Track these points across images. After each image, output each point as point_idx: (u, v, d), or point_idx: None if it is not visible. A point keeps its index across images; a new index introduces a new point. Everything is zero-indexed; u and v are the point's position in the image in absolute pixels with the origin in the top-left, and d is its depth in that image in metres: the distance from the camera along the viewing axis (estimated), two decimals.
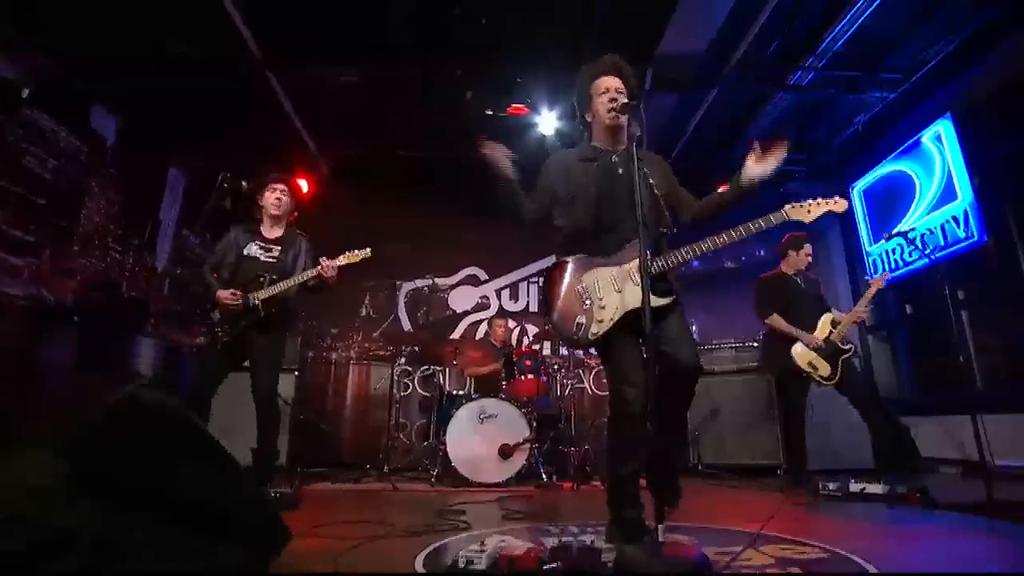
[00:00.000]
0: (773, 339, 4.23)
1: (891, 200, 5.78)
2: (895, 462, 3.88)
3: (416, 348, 5.39)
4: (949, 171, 5.08)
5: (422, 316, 6.55)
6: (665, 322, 2.27)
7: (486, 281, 6.79)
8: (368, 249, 3.48)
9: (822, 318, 4.10)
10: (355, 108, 5.44)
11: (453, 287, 6.74)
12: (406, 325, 6.52)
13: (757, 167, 2.30)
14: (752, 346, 5.48)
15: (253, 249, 3.43)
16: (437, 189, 6.66)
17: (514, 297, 6.73)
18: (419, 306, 6.60)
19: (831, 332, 4.03)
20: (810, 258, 4.36)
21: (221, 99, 5.08)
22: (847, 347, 4.03)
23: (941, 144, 5.17)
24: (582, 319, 2.24)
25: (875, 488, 3.38)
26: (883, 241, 5.26)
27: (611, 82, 2.36)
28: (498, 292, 6.75)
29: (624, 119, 2.31)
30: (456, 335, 6.55)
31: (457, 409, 4.43)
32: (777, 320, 4.15)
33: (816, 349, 3.97)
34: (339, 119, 5.68)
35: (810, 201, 2.35)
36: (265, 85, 4.95)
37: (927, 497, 3.21)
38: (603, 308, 2.23)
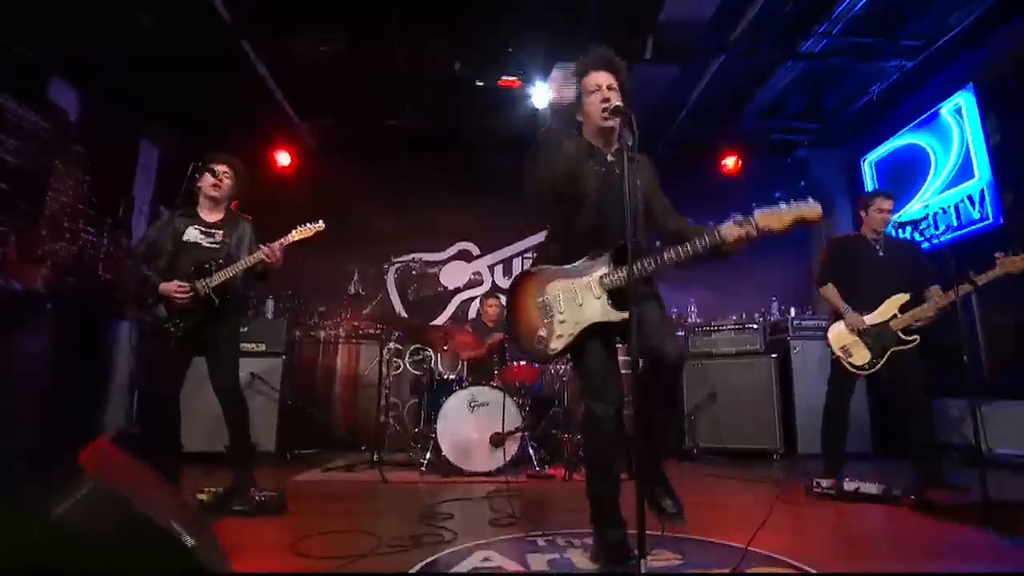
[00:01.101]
0: (831, 312, 3.73)
1: (904, 174, 5.51)
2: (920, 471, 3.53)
3: (405, 333, 5.27)
4: (967, 147, 4.81)
5: (412, 293, 6.39)
6: (642, 316, 2.12)
7: (479, 256, 6.56)
8: (320, 222, 3.25)
9: (889, 298, 3.49)
10: (339, 76, 5.10)
11: (444, 263, 6.53)
12: (396, 302, 6.35)
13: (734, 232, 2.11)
14: (752, 328, 5.33)
15: (193, 234, 3.14)
16: (427, 160, 6.37)
17: (508, 273, 6.51)
18: (409, 283, 6.42)
19: (895, 316, 3.48)
20: (886, 215, 3.64)
21: (193, 68, 4.76)
22: (909, 339, 3.44)
23: (960, 117, 4.87)
24: (543, 332, 2.20)
25: (870, 488, 3.27)
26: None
27: (603, 78, 2.20)
28: (491, 268, 6.53)
29: (616, 121, 2.13)
30: (448, 313, 6.40)
31: (447, 397, 4.32)
32: (829, 291, 3.64)
33: (859, 332, 3.50)
34: (322, 88, 5.35)
35: (783, 206, 2.10)
36: (240, 54, 4.60)
37: (921, 500, 3.12)
38: (563, 323, 2.17)
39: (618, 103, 2.11)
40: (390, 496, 3.72)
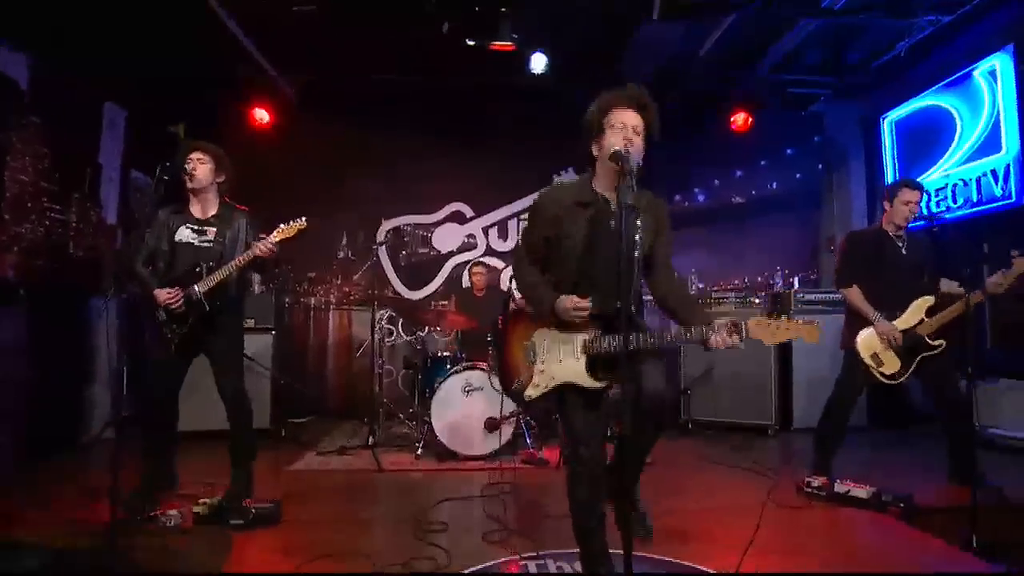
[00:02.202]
0: (851, 311, 3.52)
1: (926, 139, 5.17)
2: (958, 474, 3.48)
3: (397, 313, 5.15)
4: (998, 116, 4.47)
5: (404, 258, 6.19)
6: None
7: (472, 218, 6.28)
8: (303, 218, 3.11)
9: (916, 301, 3.34)
10: (318, 28, 4.61)
11: (436, 225, 6.27)
12: (387, 267, 6.15)
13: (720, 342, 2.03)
14: (755, 302, 5.21)
15: (185, 234, 3.07)
16: (416, 117, 5.97)
17: (503, 235, 6.27)
18: (400, 247, 6.20)
19: (922, 320, 3.33)
20: (912, 207, 3.40)
21: (152, 19, 4.28)
22: (936, 344, 3.32)
23: (994, 81, 4.49)
24: (523, 377, 2.24)
25: (859, 492, 3.25)
26: None
27: (630, 118, 2.05)
28: (485, 230, 6.27)
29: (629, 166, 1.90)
30: (441, 278, 6.23)
31: (442, 380, 4.26)
32: (854, 295, 3.43)
33: (889, 341, 3.33)
34: (301, 40, 4.86)
35: (783, 320, 2.03)
36: (202, 4, 4.12)
37: (910, 507, 3.10)
38: (542, 373, 2.19)
39: (618, 148, 1.93)
40: (384, 491, 3.73)
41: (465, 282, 6.00)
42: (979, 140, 4.62)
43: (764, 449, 4.65)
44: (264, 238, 3.02)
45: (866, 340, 3.42)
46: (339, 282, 5.99)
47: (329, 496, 3.58)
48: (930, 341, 3.33)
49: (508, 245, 6.26)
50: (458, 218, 6.27)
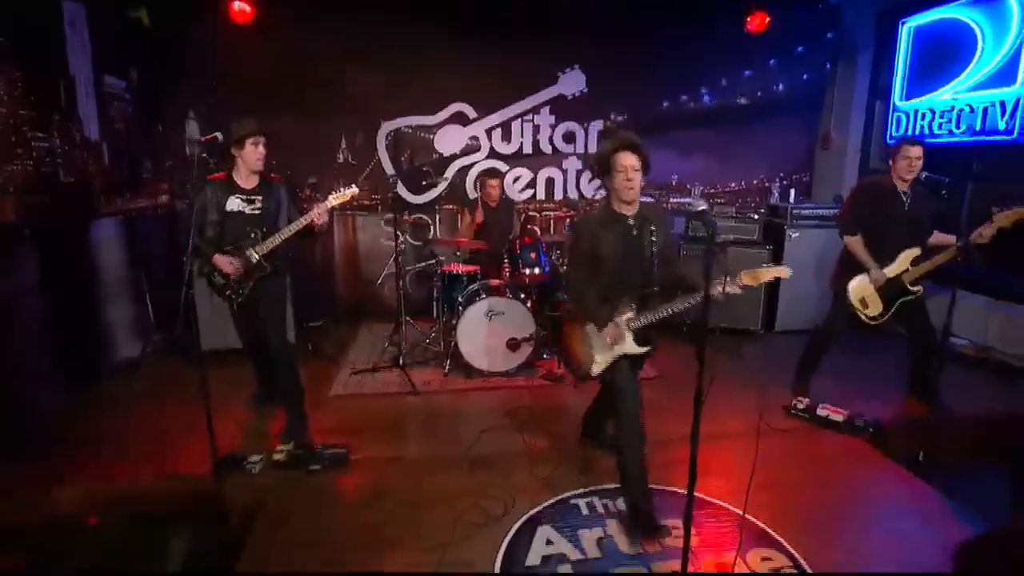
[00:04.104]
0: (846, 257, 3.86)
1: (943, 55, 5.09)
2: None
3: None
4: (1020, 46, 4.42)
5: (406, 161, 5.95)
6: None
7: (475, 120, 5.94)
8: (353, 187, 3.56)
9: (904, 252, 3.69)
10: None
11: (438, 127, 5.94)
12: (389, 170, 5.91)
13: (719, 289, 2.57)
14: (752, 218, 5.45)
15: (235, 203, 3.37)
16: (416, 11, 5.37)
17: (506, 138, 6.00)
18: (402, 150, 5.92)
19: (907, 270, 3.68)
20: (911, 162, 3.59)
21: None
22: (915, 290, 3.72)
23: None
24: (584, 359, 2.93)
25: (836, 417, 3.82)
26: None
27: (629, 160, 2.62)
28: (488, 132, 5.98)
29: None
30: (444, 182, 6.08)
31: (466, 308, 4.49)
32: (856, 245, 3.74)
33: (877, 287, 3.74)
34: None
35: (764, 267, 2.58)
36: None
37: (877, 430, 3.71)
38: (600, 353, 2.89)
39: (636, 186, 2.66)
40: (426, 419, 4.08)
41: (470, 190, 5.92)
42: (997, 68, 4.61)
43: (753, 355, 5.26)
44: (321, 202, 3.39)
45: (858, 287, 3.79)
46: (341, 187, 5.81)
47: (378, 427, 3.89)
48: (910, 287, 3.74)
49: (512, 148, 6.06)
50: (460, 119, 5.93)
